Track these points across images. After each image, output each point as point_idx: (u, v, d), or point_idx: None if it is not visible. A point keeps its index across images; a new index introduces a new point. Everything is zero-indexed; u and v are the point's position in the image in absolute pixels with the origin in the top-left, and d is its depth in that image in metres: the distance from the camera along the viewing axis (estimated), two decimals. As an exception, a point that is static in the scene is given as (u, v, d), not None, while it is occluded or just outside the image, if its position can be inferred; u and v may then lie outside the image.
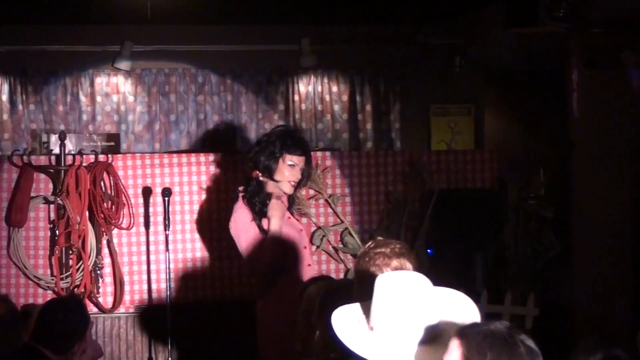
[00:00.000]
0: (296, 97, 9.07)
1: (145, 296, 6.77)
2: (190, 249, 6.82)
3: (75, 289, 6.43)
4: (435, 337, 2.74)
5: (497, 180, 7.19)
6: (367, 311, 2.87)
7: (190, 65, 8.95)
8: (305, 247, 5.31)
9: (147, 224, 6.74)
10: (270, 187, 5.15)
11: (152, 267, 6.75)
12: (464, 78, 8.91)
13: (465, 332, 2.45)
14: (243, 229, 5.11)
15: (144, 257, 6.76)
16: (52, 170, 6.60)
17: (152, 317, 6.73)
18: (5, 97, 8.65)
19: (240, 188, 5.24)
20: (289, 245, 5.11)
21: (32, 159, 6.65)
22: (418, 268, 3.31)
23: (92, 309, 6.49)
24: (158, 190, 6.67)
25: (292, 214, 5.35)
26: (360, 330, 2.86)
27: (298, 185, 5.25)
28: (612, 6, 6.41)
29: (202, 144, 8.86)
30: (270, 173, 5.12)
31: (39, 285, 6.58)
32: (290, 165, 5.11)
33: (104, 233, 6.58)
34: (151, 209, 6.73)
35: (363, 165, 7.02)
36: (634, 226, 6.86)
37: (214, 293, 6.85)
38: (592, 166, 6.86)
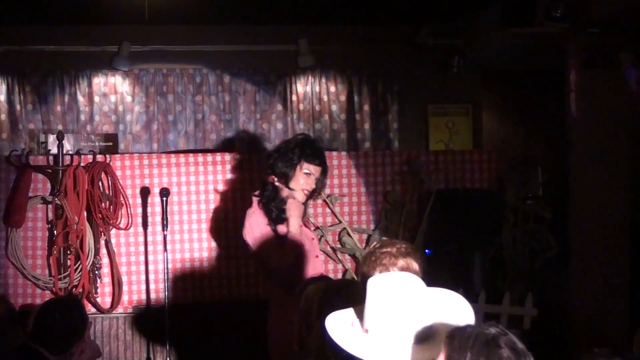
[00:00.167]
0: (294, 97, 9.07)
1: (144, 296, 6.76)
2: (189, 249, 6.82)
3: (74, 289, 6.43)
4: (428, 337, 2.75)
5: (495, 181, 7.19)
6: (360, 314, 2.87)
7: (188, 65, 8.95)
8: (317, 256, 5.33)
9: (145, 224, 6.74)
10: (285, 193, 5.19)
11: (150, 267, 6.75)
12: (462, 78, 8.92)
13: (452, 333, 2.47)
14: (259, 232, 5.11)
15: (142, 258, 6.76)
16: (50, 171, 6.60)
17: (150, 317, 6.73)
18: (3, 97, 8.65)
19: (256, 193, 5.26)
20: (301, 253, 5.12)
21: (30, 159, 6.64)
22: (424, 268, 3.36)
23: (90, 309, 6.49)
24: (156, 190, 6.67)
25: (304, 222, 5.37)
26: (355, 334, 2.86)
27: (311, 195, 5.27)
28: (610, 6, 6.42)
29: (200, 144, 8.86)
30: (286, 180, 5.15)
31: (37, 285, 6.58)
32: (306, 173, 5.15)
33: (102, 233, 6.58)
34: (149, 209, 6.73)
35: (361, 165, 7.02)
36: (631, 226, 6.86)
37: (212, 293, 6.85)
38: (590, 166, 6.86)
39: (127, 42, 8.66)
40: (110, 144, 7.95)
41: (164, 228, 6.51)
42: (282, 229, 5.14)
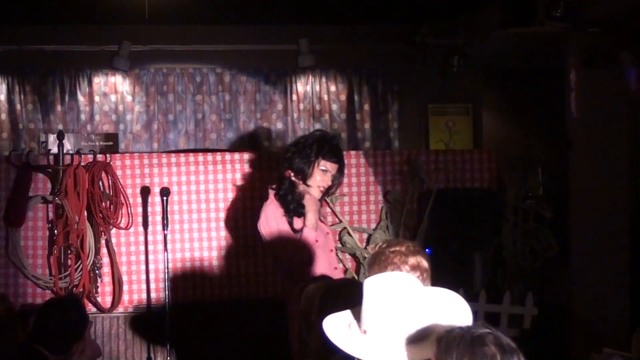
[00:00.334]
0: (294, 97, 9.07)
1: (144, 296, 6.77)
2: (189, 248, 6.83)
3: (74, 289, 6.43)
4: (425, 337, 2.75)
5: (495, 180, 7.20)
6: (357, 316, 2.88)
7: (188, 65, 8.95)
8: (332, 250, 5.37)
9: (145, 224, 6.74)
10: (301, 188, 5.21)
11: (151, 266, 6.75)
12: (462, 78, 8.91)
13: (440, 335, 2.50)
14: (275, 225, 5.13)
15: (142, 257, 6.76)
16: (50, 170, 6.60)
17: (150, 317, 6.73)
18: (3, 97, 8.64)
19: (273, 186, 5.27)
20: (316, 247, 5.14)
21: (30, 158, 6.65)
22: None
23: (90, 308, 6.49)
24: (156, 190, 6.68)
25: (320, 217, 5.37)
26: (353, 335, 2.86)
27: (327, 192, 5.28)
28: (610, 6, 6.42)
29: (201, 144, 8.86)
30: (303, 176, 5.17)
31: (37, 285, 6.58)
32: (322, 170, 5.18)
33: (103, 233, 6.58)
34: (149, 209, 6.74)
35: (361, 164, 7.02)
36: (631, 226, 6.87)
37: (212, 293, 6.85)
38: (590, 166, 6.86)
39: (128, 41, 8.66)
40: (111, 143, 7.96)
41: (164, 228, 6.51)
42: (297, 222, 5.15)
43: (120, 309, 6.74)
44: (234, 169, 6.86)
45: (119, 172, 6.69)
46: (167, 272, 6.53)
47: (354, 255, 6.88)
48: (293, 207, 5.16)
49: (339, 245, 6.84)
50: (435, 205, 6.89)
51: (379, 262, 3.44)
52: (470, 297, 6.09)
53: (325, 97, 9.10)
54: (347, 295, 3.21)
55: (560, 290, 7.11)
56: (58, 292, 6.41)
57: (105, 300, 6.69)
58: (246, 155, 6.99)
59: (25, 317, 4.98)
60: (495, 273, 7.00)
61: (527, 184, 7.20)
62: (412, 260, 3.45)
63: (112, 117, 8.83)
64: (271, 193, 5.25)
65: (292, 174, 5.20)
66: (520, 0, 6.99)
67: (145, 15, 7.42)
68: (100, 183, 6.57)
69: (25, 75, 8.70)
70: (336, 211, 6.88)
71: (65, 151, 6.66)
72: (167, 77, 8.93)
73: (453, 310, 2.93)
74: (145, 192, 6.73)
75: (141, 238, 6.76)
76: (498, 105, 9.37)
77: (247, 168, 6.88)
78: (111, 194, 6.59)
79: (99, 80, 8.83)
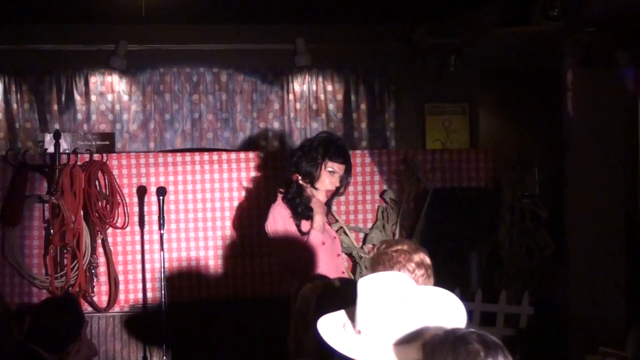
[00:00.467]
0: (291, 96, 9.07)
1: (140, 295, 6.77)
2: (185, 248, 6.83)
3: (70, 288, 6.43)
4: (419, 337, 2.74)
5: (491, 180, 7.20)
6: (352, 316, 2.87)
7: (184, 64, 8.94)
8: (339, 255, 5.36)
9: (141, 223, 6.74)
10: (309, 191, 5.21)
11: (147, 266, 6.76)
12: (459, 77, 8.91)
13: (425, 341, 2.53)
14: (282, 226, 5.13)
15: (138, 257, 6.76)
16: (46, 170, 6.60)
17: (146, 316, 6.73)
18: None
19: (281, 189, 5.27)
20: (323, 251, 5.14)
21: (26, 158, 6.64)
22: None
23: (86, 308, 6.50)
24: (153, 189, 6.68)
25: (327, 221, 5.38)
26: (347, 335, 2.86)
27: (335, 194, 5.28)
28: (607, 5, 6.42)
29: (197, 143, 8.86)
30: (311, 179, 5.17)
31: (33, 284, 6.58)
32: (330, 172, 5.17)
33: (99, 232, 6.58)
34: (146, 208, 6.74)
35: (358, 164, 7.02)
36: (627, 225, 6.87)
37: (208, 292, 6.86)
38: (586, 165, 6.86)
39: (124, 41, 8.64)
40: (107, 143, 7.93)
41: (160, 227, 6.52)
42: (305, 225, 5.15)
43: (116, 308, 6.74)
44: (231, 168, 6.86)
45: (115, 172, 6.70)
46: (163, 272, 6.53)
47: (350, 255, 6.88)
48: (301, 210, 5.16)
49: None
50: (431, 205, 6.89)
51: (383, 262, 3.45)
52: (466, 297, 6.11)
53: (322, 96, 9.10)
54: (343, 295, 3.21)
55: (557, 289, 7.11)
56: (54, 291, 6.41)
57: (102, 299, 6.69)
58: (243, 155, 6.99)
59: (21, 317, 4.97)
60: (492, 272, 7.01)
61: (524, 183, 7.20)
62: (416, 258, 3.49)
63: (109, 117, 8.83)
64: (279, 195, 5.25)
65: (299, 178, 5.20)
66: (517, -1, 6.99)
67: (142, 14, 7.42)
68: (97, 182, 6.57)
69: (21, 75, 8.69)
70: (332, 210, 6.87)
71: (61, 150, 6.67)
72: (164, 77, 8.92)
73: (448, 310, 2.93)
74: (142, 191, 6.73)
75: (137, 237, 6.76)
76: (495, 104, 9.38)
77: (243, 168, 6.88)
78: (107, 193, 6.59)
79: (95, 80, 8.82)
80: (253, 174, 6.84)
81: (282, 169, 6.79)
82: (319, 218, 5.14)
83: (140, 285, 6.76)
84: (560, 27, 6.67)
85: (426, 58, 8.96)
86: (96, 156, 6.67)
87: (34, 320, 4.60)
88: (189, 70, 8.95)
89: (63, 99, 8.74)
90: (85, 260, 6.45)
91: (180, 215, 6.82)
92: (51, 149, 6.74)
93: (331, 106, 9.11)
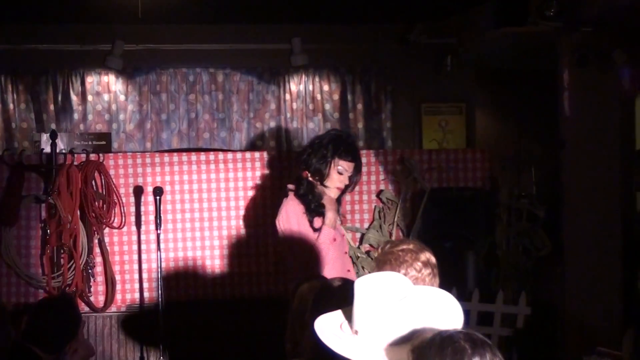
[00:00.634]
0: (287, 96, 9.07)
1: (137, 295, 6.76)
2: (182, 248, 6.82)
3: (67, 288, 6.42)
4: (414, 336, 2.74)
5: (488, 179, 7.20)
6: (349, 316, 2.87)
7: (181, 64, 8.94)
8: (346, 253, 5.35)
9: (138, 223, 6.73)
10: (318, 188, 5.20)
11: (144, 266, 6.75)
12: (455, 77, 8.92)
13: (416, 344, 2.53)
14: (296, 221, 5.11)
15: (135, 256, 6.75)
16: (43, 170, 6.59)
17: (143, 316, 6.72)
18: (-4, 96, 8.64)
19: (291, 186, 5.25)
20: (332, 248, 5.13)
21: (23, 158, 6.64)
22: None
23: (83, 308, 6.48)
24: (149, 189, 6.67)
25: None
26: (344, 335, 2.85)
27: (344, 191, 5.28)
28: (603, 5, 6.42)
29: (194, 143, 8.86)
30: (321, 177, 5.16)
31: (30, 284, 6.57)
32: (339, 169, 5.16)
33: (96, 232, 6.57)
34: (142, 208, 6.73)
35: (354, 164, 7.01)
36: (624, 225, 6.87)
37: (205, 292, 6.85)
38: (583, 165, 6.86)
39: (121, 41, 8.65)
40: (104, 142, 7.94)
41: (157, 227, 6.51)
42: (317, 222, 5.14)
43: (113, 308, 6.73)
44: (227, 168, 6.86)
45: (112, 172, 6.69)
46: (160, 272, 6.53)
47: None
48: (314, 206, 5.14)
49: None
50: (428, 205, 6.89)
51: (390, 262, 3.45)
52: (463, 297, 6.11)
53: (319, 96, 9.11)
54: (341, 295, 3.21)
55: (554, 289, 7.11)
56: (51, 291, 6.40)
57: (98, 299, 6.68)
58: (239, 155, 6.98)
59: (17, 317, 4.97)
60: (489, 272, 7.00)
61: (520, 183, 7.21)
62: (422, 257, 3.51)
63: (105, 117, 8.83)
64: (290, 192, 5.24)
65: (309, 175, 5.19)
66: (513, -1, 7.00)
67: (138, 14, 7.41)
68: (93, 182, 6.56)
69: (18, 75, 8.69)
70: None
71: (58, 150, 6.66)
72: (160, 77, 8.92)
73: (445, 310, 2.92)
74: (138, 191, 6.73)
75: (134, 237, 6.76)
76: (491, 104, 9.39)
77: (240, 168, 6.87)
78: (104, 193, 6.58)
79: (92, 80, 8.82)
80: (250, 173, 6.84)
81: (280, 168, 6.81)
82: (331, 215, 5.14)
83: (137, 285, 6.76)
84: (556, 27, 6.68)
85: (422, 58, 8.97)
86: (93, 156, 6.66)
87: (30, 320, 4.60)
88: (186, 70, 8.96)
89: (59, 98, 8.74)
90: (82, 260, 6.44)
91: (177, 215, 6.81)
92: (48, 149, 6.73)
93: (328, 106, 9.11)
